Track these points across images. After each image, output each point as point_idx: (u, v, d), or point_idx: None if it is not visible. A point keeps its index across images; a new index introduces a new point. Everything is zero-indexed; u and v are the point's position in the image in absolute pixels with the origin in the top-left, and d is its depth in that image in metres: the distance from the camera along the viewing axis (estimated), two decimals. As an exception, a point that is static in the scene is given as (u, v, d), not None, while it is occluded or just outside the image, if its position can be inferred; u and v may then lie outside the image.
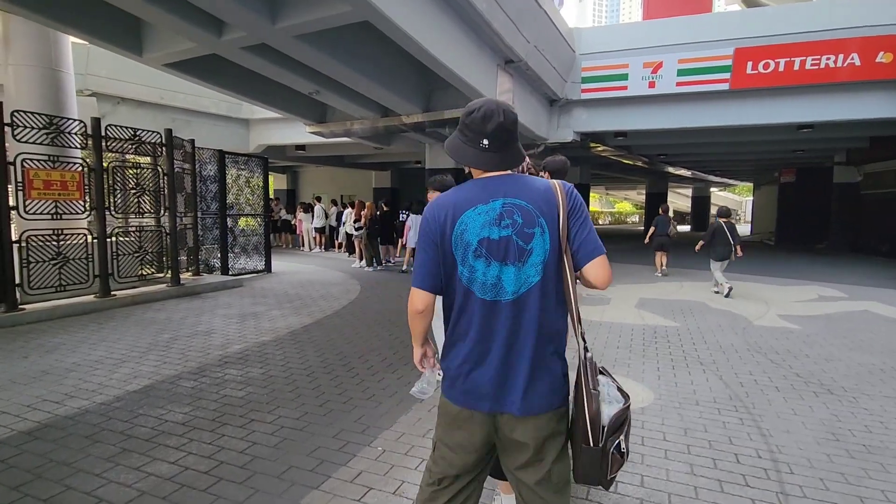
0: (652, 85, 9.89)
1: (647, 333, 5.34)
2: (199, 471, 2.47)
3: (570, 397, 1.39)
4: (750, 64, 9.26)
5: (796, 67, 9.04)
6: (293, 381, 3.76)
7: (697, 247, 8.20)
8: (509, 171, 1.39)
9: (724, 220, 7.79)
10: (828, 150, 15.85)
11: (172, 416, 3.11)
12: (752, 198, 33.20)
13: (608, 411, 1.30)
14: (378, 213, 11.02)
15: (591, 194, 29.31)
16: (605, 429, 1.28)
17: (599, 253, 1.33)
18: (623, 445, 1.30)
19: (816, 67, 8.93)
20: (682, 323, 5.86)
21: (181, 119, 12.08)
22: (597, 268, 1.32)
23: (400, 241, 11.56)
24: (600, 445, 1.28)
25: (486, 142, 1.34)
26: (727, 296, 7.47)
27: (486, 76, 7.62)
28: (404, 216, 11.85)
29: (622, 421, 1.31)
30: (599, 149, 13.96)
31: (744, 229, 30.48)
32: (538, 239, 1.30)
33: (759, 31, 9.28)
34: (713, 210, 15.74)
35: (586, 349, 1.36)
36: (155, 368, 4.01)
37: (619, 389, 1.36)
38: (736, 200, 45.56)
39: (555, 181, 1.39)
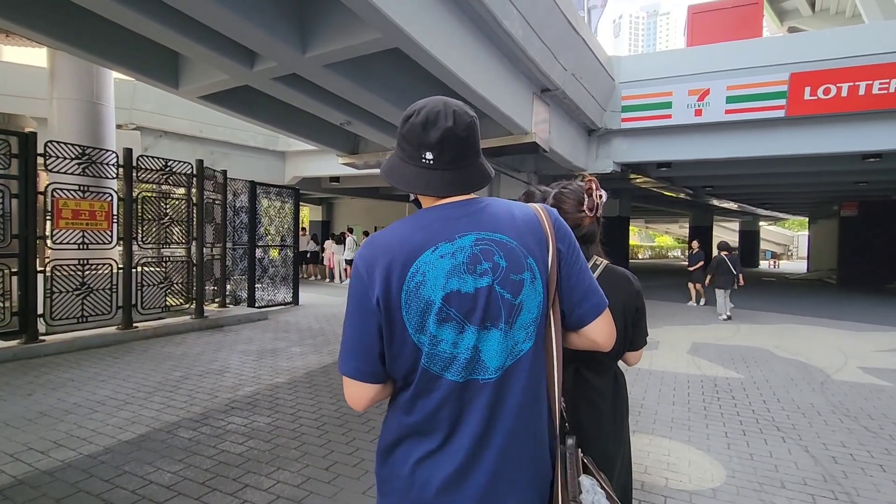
0: (698, 113, 9.34)
1: (707, 386, 4.66)
2: (170, 555, 2.06)
3: None
4: (808, 89, 8.60)
5: (861, 92, 8.31)
6: (300, 436, 3.33)
7: (707, 280, 9.28)
8: (473, 195, 1.00)
9: (726, 253, 9.05)
10: (894, 182, 14.64)
11: (159, 475, 2.73)
12: (806, 232, 31.29)
13: None
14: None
15: (631, 227, 28.32)
16: None
17: (604, 306, 1.01)
18: None
19: (885, 92, 8.18)
20: (745, 374, 5.13)
21: (219, 151, 12.33)
22: (605, 325, 1.00)
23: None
24: None
25: (429, 155, 0.94)
26: (728, 318, 8.67)
27: (522, 105, 7.31)
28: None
29: None
30: (640, 180, 13.33)
31: (798, 266, 28.62)
32: (528, 288, 0.92)
33: (817, 55, 8.65)
34: (762, 245, 15.32)
35: (568, 436, 0.99)
36: (156, 413, 3.68)
37: (610, 498, 0.96)
38: (787, 235, 43.13)
39: (536, 205, 1.02)
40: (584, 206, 1.36)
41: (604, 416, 1.32)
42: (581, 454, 1.00)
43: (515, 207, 0.99)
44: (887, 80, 8.14)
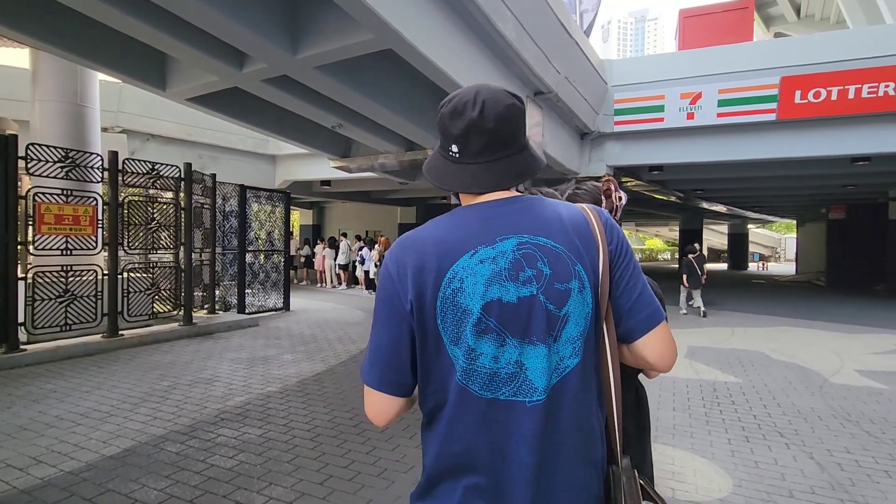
0: (691, 116, 9.36)
1: (707, 391, 4.61)
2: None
3: None
4: (798, 93, 8.66)
5: (851, 96, 8.38)
6: (293, 448, 3.21)
7: (684, 282, 9.85)
8: (516, 192, 0.90)
9: (693, 255, 9.86)
10: (881, 185, 14.82)
11: (145, 493, 2.60)
12: (793, 235, 31.67)
13: None
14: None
15: (624, 231, 28.49)
16: None
17: (659, 319, 0.87)
18: None
19: (874, 95, 8.25)
20: (744, 378, 5.09)
21: (208, 155, 12.15)
22: (658, 342, 0.87)
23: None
24: None
25: (454, 148, 0.87)
26: (704, 316, 9.34)
27: (516, 107, 7.26)
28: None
29: None
30: (632, 184, 13.36)
31: (786, 268, 28.92)
32: (576, 299, 0.82)
33: (807, 59, 8.71)
34: (750, 247, 15.52)
35: (628, 463, 0.88)
36: (142, 426, 3.54)
37: None
38: (775, 238, 43.63)
39: (584, 205, 0.92)
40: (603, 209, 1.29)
41: (627, 434, 1.23)
42: (637, 476, 0.91)
43: (563, 208, 0.89)
44: (876, 84, 8.22)
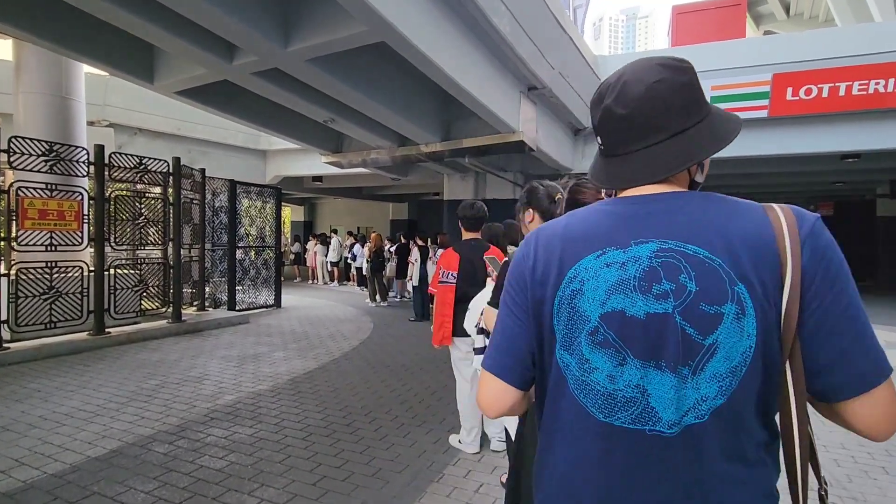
0: (683, 113, 9.38)
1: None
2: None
3: None
4: (790, 90, 8.70)
5: (842, 93, 8.43)
6: (285, 448, 3.15)
7: None
8: (676, 187, 0.76)
9: None
10: (869, 182, 15.00)
11: (131, 496, 2.52)
12: (782, 232, 31.96)
13: None
14: (394, 245, 10.60)
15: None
16: None
17: (880, 378, 0.64)
18: None
19: (864, 93, 8.31)
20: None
21: (197, 150, 11.97)
22: (873, 409, 0.64)
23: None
24: None
25: (600, 140, 0.79)
26: None
27: (509, 103, 7.20)
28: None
29: None
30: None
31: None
32: (730, 327, 0.65)
33: (799, 56, 8.75)
34: None
35: None
36: (129, 426, 3.45)
37: None
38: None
39: (778, 206, 0.71)
40: (599, 191, 1.24)
41: None
42: None
43: (733, 208, 0.71)
44: (866, 82, 8.27)
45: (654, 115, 0.72)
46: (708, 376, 0.66)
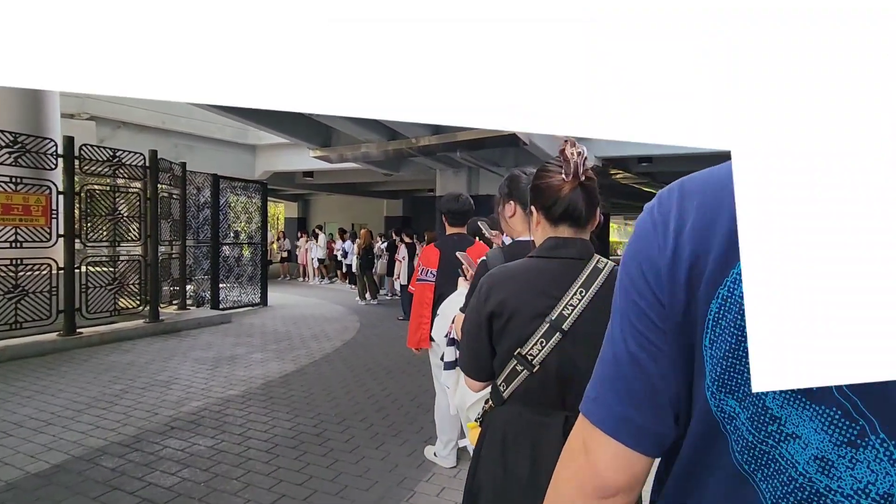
0: (681, 106, 9.13)
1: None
2: None
3: None
4: (791, 83, 8.46)
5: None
6: (245, 462, 2.90)
7: None
8: None
9: None
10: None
11: (63, 520, 2.28)
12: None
13: None
14: (387, 242, 10.36)
15: (611, 224, 28.36)
16: None
17: None
18: None
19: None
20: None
21: (183, 144, 11.68)
22: None
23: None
24: None
25: None
26: None
27: (501, 94, 6.96)
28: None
29: None
30: (621, 176, 13.16)
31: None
32: None
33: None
34: None
35: None
36: (81, 437, 3.20)
37: None
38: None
39: None
40: (562, 173, 1.02)
41: None
42: None
43: None
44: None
45: None
46: None
